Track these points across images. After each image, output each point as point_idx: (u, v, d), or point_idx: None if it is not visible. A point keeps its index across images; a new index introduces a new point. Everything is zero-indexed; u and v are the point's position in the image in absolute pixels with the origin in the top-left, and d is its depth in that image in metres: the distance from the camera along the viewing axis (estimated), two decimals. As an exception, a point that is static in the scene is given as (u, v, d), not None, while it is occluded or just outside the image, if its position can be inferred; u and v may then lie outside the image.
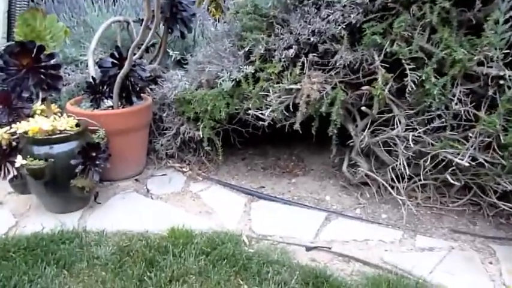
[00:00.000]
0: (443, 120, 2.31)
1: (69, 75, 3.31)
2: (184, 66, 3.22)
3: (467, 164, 2.23)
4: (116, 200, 2.76)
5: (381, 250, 2.25)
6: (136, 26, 3.46)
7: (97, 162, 2.34)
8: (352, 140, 2.77)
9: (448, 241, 2.34)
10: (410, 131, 2.43)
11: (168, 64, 3.55)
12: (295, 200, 2.80)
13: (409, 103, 2.45)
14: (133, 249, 2.14)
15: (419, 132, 2.38)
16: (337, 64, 2.46)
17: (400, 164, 2.48)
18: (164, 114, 3.16)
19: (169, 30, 3.30)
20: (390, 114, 2.51)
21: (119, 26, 3.51)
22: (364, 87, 2.47)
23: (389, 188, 2.59)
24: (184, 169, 3.20)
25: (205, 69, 2.88)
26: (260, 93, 2.69)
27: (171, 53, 3.14)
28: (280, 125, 2.88)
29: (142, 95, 3.18)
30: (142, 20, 3.34)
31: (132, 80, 2.81)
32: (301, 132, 2.78)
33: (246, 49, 2.69)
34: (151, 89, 3.32)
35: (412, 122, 2.47)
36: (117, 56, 2.77)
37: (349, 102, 2.66)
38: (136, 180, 3.06)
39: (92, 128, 2.67)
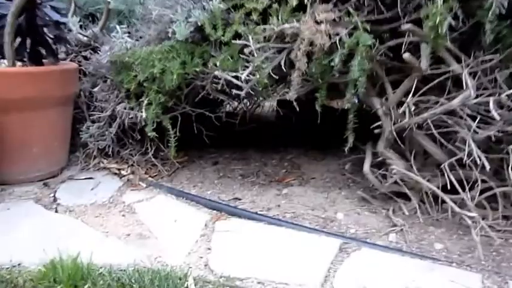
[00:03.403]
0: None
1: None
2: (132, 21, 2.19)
3: None
4: (-7, 213, 1.65)
5: (454, 311, 1.14)
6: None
7: None
8: (378, 124, 1.70)
9: None
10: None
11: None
12: (287, 218, 1.70)
13: (482, 49, 1.42)
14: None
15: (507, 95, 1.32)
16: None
17: (466, 155, 1.41)
18: (96, 89, 2.10)
19: (114, -23, 2.28)
20: (445, 70, 1.46)
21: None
22: (405, 26, 1.43)
23: (447, 200, 1.50)
24: (123, 172, 2.10)
25: (153, 15, 1.84)
26: (234, 42, 1.64)
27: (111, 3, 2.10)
28: (267, 103, 1.84)
29: (68, 61, 2.14)
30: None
31: (38, 24, 1.76)
32: (297, 109, 1.72)
33: (214, -26, 1.66)
34: (85, 58, 2.29)
35: (486, 84, 1.42)
36: (13, -16, 1.73)
37: (374, 59, 1.61)
38: (45, 184, 1.95)
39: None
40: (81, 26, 2.47)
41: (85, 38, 2.40)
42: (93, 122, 2.18)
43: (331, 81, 1.72)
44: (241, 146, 2.64)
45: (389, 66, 1.69)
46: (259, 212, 1.73)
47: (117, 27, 2.02)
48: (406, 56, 1.39)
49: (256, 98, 2.00)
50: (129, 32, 2.00)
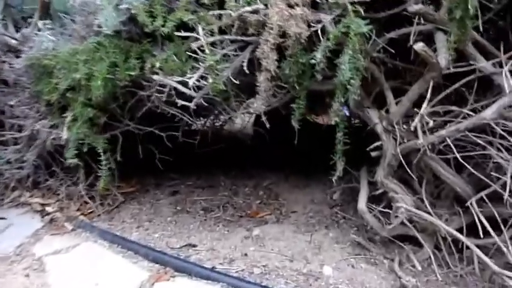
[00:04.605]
0: None
1: None
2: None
3: None
4: None
5: None
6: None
7: None
8: (376, 144, 1.25)
9: None
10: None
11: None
12: (255, 275, 1.22)
13: None
14: None
15: None
16: None
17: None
18: (13, 102, 1.62)
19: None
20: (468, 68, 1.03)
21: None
22: (414, 7, 1.00)
23: (478, 252, 1.04)
24: (48, 208, 1.61)
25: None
26: (177, 34, 1.18)
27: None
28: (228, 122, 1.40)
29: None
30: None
31: None
32: (267, 125, 1.26)
33: None
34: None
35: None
36: None
37: (369, 56, 1.17)
38: None
39: None
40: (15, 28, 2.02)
41: (13, 41, 1.93)
42: (15, 144, 1.69)
43: (312, 89, 1.27)
44: (209, 171, 2.17)
45: (390, 67, 1.25)
46: (217, 267, 1.25)
47: (39, 23, 1.56)
48: (420, 46, 0.95)
49: (217, 113, 1.55)
50: (53, 29, 1.53)
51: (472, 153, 1.08)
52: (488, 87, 1.18)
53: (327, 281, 1.19)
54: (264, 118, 1.24)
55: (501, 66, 1.04)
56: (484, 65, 1.02)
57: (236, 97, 1.41)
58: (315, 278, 1.20)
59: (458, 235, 1.10)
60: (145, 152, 1.68)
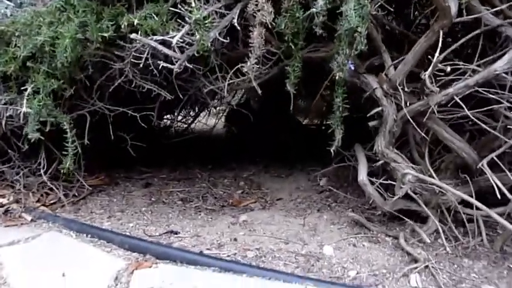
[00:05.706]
0: None
1: None
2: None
3: None
4: None
5: None
6: None
7: None
8: (376, 111, 1.15)
9: None
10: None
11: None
12: (250, 259, 1.07)
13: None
14: None
15: None
16: None
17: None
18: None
19: None
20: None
21: None
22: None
23: (501, 221, 0.95)
24: (3, 199, 1.38)
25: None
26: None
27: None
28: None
29: None
30: None
31: None
32: (259, 90, 1.14)
33: None
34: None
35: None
36: None
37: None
38: None
39: None
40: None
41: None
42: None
43: (306, 56, 1.17)
44: (183, 164, 2.01)
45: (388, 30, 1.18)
46: (205, 252, 1.09)
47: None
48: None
49: (199, 87, 1.41)
50: (11, -6, 1.34)
51: (477, 111, 1.00)
52: (484, 52, 1.13)
53: (330, 260, 1.06)
54: (254, 83, 1.11)
55: (505, 18, 0.99)
56: (489, 17, 0.96)
57: (220, 70, 1.29)
58: (316, 259, 1.07)
59: (474, 201, 1.02)
60: (113, 143, 1.50)
